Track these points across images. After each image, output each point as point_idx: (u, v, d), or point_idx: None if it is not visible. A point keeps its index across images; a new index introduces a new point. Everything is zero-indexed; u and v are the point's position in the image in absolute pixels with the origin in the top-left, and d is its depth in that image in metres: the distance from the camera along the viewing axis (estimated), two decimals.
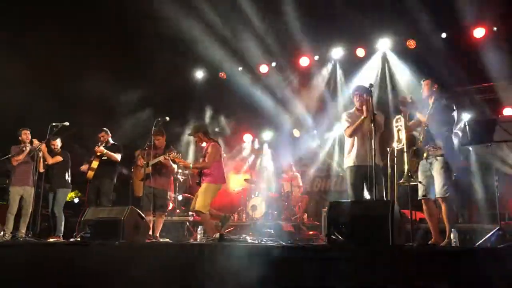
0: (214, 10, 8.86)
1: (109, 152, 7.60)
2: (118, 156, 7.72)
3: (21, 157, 7.66)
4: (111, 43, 9.15)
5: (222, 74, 11.49)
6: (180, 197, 7.50)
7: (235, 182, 10.94)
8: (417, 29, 9.02)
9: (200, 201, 6.39)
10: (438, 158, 5.09)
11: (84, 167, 7.83)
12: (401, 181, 5.12)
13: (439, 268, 3.33)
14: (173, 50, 9.33)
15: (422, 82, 5.55)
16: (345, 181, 10.21)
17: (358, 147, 5.59)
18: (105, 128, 7.86)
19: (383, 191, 5.53)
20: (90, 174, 7.60)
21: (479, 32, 8.85)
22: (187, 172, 8.98)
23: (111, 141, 7.88)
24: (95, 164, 7.58)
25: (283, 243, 4.63)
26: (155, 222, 7.03)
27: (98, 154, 7.56)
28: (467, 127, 5.68)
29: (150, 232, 6.82)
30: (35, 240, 6.55)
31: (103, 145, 7.65)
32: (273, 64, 10.95)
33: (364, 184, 5.44)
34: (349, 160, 5.68)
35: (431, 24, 8.85)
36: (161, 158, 6.84)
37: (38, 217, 7.73)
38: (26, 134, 7.77)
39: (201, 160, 6.91)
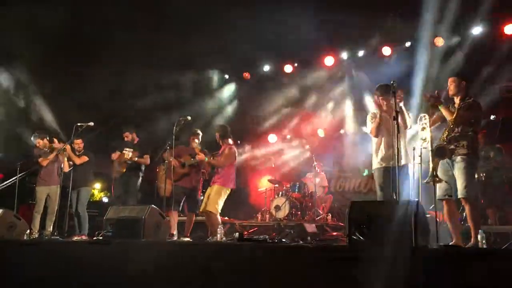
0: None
1: (140, 159, 7.65)
2: (147, 159, 7.77)
3: (51, 156, 7.84)
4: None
5: (246, 75, 11.48)
6: (202, 197, 7.55)
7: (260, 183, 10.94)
8: (445, 26, 8.83)
9: (212, 202, 6.50)
10: (462, 157, 4.92)
11: (114, 156, 7.84)
12: (425, 181, 4.97)
13: (463, 270, 3.20)
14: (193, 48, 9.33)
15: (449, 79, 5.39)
16: (370, 182, 10.29)
17: (384, 147, 5.59)
18: (129, 127, 7.92)
19: (409, 191, 5.41)
20: (117, 174, 7.68)
21: (510, 29, 8.58)
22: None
23: (137, 139, 7.94)
24: (121, 167, 7.64)
25: (303, 244, 4.57)
26: (187, 222, 7.18)
27: (128, 161, 7.59)
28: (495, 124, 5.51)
29: (174, 232, 6.91)
30: (60, 238, 6.66)
31: (130, 149, 7.69)
32: (296, 64, 10.89)
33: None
34: (377, 161, 5.69)
35: (461, 20, 8.67)
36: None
37: (66, 216, 7.86)
38: (40, 143, 7.96)
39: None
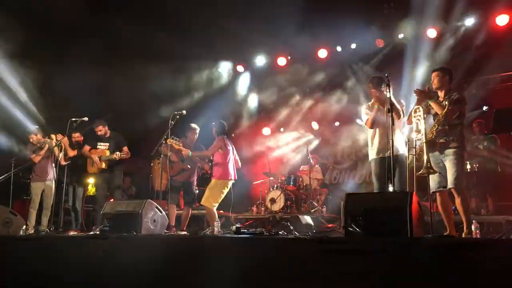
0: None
1: (124, 155, 7.45)
2: (128, 152, 7.55)
3: (42, 152, 7.80)
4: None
5: (240, 67, 11.48)
6: (197, 191, 7.59)
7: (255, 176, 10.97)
8: (438, 18, 8.85)
9: (206, 196, 6.61)
10: (452, 150, 4.99)
11: (86, 149, 7.73)
12: (420, 172, 5.02)
13: (458, 260, 3.24)
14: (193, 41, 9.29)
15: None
16: (365, 173, 10.36)
17: (380, 138, 5.64)
18: (101, 121, 7.74)
19: (406, 182, 5.47)
20: (96, 170, 7.62)
21: (502, 20, 8.62)
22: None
23: (108, 131, 7.78)
24: (104, 165, 7.53)
25: (299, 236, 4.60)
26: (183, 215, 7.22)
27: (116, 158, 7.43)
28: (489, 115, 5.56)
29: (173, 223, 6.96)
30: (56, 233, 6.66)
31: (103, 141, 7.62)
32: (289, 57, 10.90)
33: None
34: (373, 152, 5.76)
35: (453, 12, 8.70)
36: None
37: (61, 211, 7.85)
38: (33, 138, 7.91)
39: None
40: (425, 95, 5.19)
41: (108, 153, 7.54)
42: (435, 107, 5.13)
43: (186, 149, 6.86)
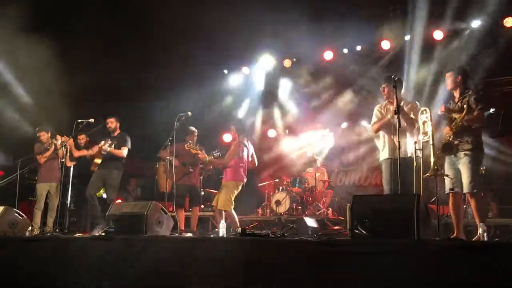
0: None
1: (114, 150, 7.33)
2: (124, 151, 7.47)
3: (48, 154, 7.81)
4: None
5: (244, 69, 11.49)
6: (202, 192, 7.63)
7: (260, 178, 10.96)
8: (444, 20, 8.83)
9: (222, 200, 6.57)
10: (467, 152, 4.95)
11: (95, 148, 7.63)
12: (427, 174, 4.99)
13: (465, 263, 3.21)
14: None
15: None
16: (370, 176, 10.32)
17: (390, 140, 5.59)
18: (116, 115, 7.68)
19: (412, 185, 5.43)
20: (95, 165, 7.55)
21: (510, 22, 8.58)
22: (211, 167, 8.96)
23: (118, 130, 7.68)
24: (98, 161, 7.44)
25: (305, 238, 4.58)
26: (192, 217, 7.35)
27: (103, 152, 7.31)
28: (499, 118, 5.53)
29: (183, 227, 7.07)
30: (62, 234, 6.66)
31: (109, 139, 7.46)
32: (294, 59, 10.89)
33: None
34: (383, 153, 5.73)
35: (460, 14, 8.67)
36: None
37: (67, 212, 7.86)
38: (44, 136, 7.92)
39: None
40: (448, 112, 5.19)
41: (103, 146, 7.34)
42: (457, 116, 5.08)
43: (202, 153, 6.87)
